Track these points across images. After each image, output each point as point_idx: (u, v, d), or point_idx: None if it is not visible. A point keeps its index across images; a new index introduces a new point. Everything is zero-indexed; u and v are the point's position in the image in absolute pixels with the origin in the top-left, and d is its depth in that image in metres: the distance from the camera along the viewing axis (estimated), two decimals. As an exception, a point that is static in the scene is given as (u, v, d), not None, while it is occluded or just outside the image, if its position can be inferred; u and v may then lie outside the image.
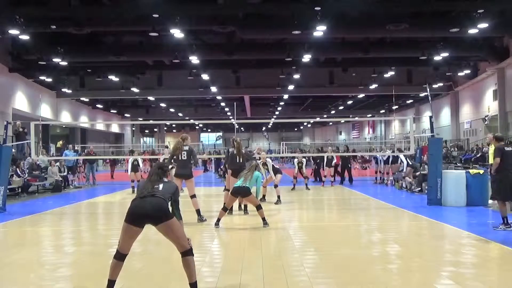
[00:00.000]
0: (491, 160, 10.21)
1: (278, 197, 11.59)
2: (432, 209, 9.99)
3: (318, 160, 18.29)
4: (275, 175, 11.99)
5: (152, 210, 4.02)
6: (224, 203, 8.45)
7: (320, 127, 64.72)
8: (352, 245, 6.65)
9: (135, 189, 13.39)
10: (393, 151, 16.69)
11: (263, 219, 8.00)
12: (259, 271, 5.21)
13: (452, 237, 7.27)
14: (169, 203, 4.25)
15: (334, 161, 16.64)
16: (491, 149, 10.15)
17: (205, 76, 25.28)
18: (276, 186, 11.90)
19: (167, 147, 24.10)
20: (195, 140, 58.37)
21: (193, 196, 8.65)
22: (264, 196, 11.76)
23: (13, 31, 15.16)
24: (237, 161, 9.67)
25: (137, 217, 4.04)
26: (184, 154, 8.58)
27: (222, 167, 21.45)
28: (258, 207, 8.06)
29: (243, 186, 8.01)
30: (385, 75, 25.90)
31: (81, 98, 32.68)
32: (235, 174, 9.13)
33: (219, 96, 31.92)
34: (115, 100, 36.37)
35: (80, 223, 9.76)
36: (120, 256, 4.14)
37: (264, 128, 65.62)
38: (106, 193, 15.25)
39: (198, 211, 8.61)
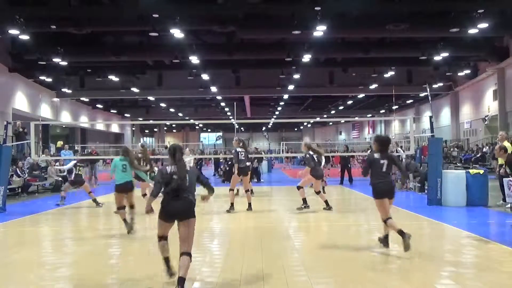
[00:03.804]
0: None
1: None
2: (432, 209, 9.99)
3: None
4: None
5: (183, 210, 4.71)
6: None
7: (320, 127, 64.67)
8: (352, 245, 6.65)
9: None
10: (396, 151, 16.63)
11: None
12: (259, 271, 5.21)
13: (452, 237, 7.28)
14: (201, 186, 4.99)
15: (330, 162, 16.63)
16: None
17: (205, 76, 25.26)
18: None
19: (166, 147, 24.12)
20: (195, 140, 58.41)
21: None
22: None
23: (13, 31, 15.15)
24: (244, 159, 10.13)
25: (170, 216, 4.77)
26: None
27: (222, 167, 21.49)
28: (119, 209, 7.74)
29: (129, 181, 7.76)
30: (385, 75, 25.88)
31: (81, 98, 32.68)
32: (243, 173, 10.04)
33: (219, 96, 31.91)
34: (115, 100, 36.36)
35: (80, 223, 9.76)
36: (162, 238, 4.85)
37: (264, 128, 65.59)
38: (106, 193, 15.22)
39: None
